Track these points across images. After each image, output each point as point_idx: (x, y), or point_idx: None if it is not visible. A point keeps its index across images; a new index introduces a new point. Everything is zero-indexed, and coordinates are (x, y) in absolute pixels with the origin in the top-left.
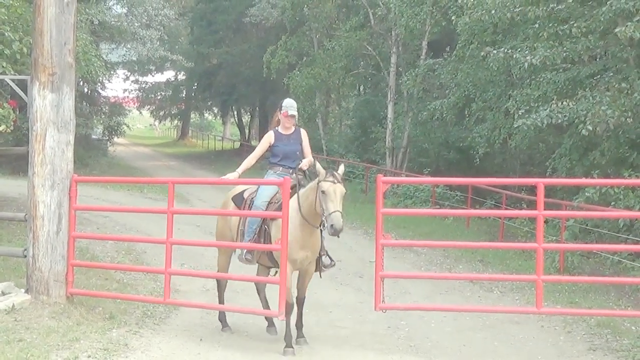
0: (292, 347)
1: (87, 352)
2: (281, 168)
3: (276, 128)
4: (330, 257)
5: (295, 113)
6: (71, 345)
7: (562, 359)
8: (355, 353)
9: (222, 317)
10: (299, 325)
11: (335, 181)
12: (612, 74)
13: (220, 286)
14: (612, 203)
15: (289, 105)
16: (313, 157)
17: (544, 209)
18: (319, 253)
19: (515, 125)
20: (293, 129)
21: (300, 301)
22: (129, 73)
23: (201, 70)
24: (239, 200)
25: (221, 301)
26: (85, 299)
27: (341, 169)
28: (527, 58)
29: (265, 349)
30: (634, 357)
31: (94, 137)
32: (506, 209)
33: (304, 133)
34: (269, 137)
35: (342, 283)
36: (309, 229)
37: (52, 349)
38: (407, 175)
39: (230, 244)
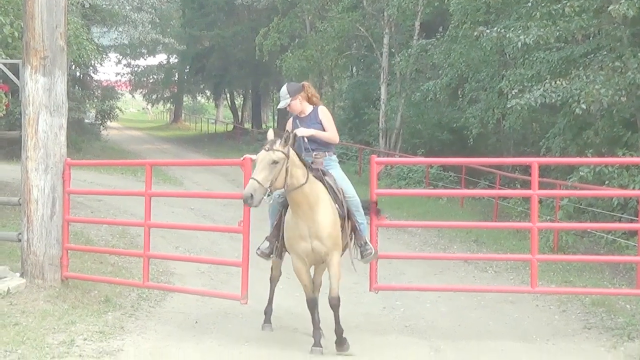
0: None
1: (83, 335)
2: (303, 153)
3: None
4: (367, 247)
5: (287, 101)
6: (67, 329)
7: (557, 337)
8: (350, 334)
9: (267, 310)
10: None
11: (267, 148)
12: (605, 52)
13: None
14: (606, 182)
15: (280, 95)
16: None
17: (538, 189)
18: (355, 243)
19: (509, 105)
20: (310, 109)
21: (337, 301)
22: (121, 56)
23: (193, 53)
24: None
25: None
26: (80, 282)
27: (270, 134)
28: (521, 37)
29: (260, 331)
30: (628, 335)
31: (86, 121)
32: (500, 189)
33: (321, 110)
34: (288, 125)
35: None
36: (303, 216)
37: (48, 332)
38: (400, 157)
39: (198, 225)
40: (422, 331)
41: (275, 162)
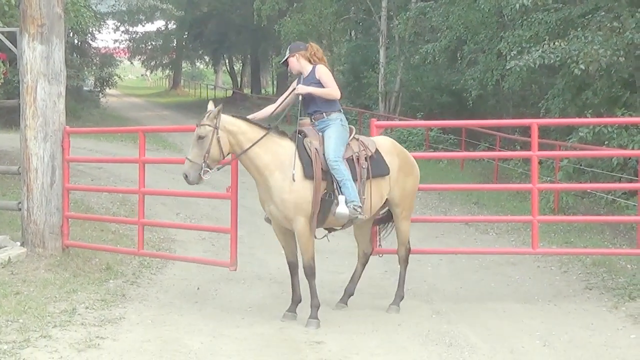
0: (296, 313)
1: (85, 303)
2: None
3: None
4: (338, 207)
5: (285, 57)
6: (68, 297)
7: (559, 298)
8: (352, 298)
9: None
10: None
11: (196, 124)
12: (603, 13)
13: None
14: (606, 142)
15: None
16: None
17: (538, 150)
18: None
19: (508, 67)
20: (309, 69)
21: (307, 270)
22: (119, 23)
23: (191, 19)
24: None
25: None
26: (81, 250)
27: (210, 105)
28: None
29: (262, 296)
30: (629, 295)
31: (85, 89)
32: (500, 150)
33: (319, 69)
34: (292, 85)
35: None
36: (257, 180)
37: (49, 301)
38: (400, 120)
39: (189, 192)
40: (423, 294)
41: (201, 137)
